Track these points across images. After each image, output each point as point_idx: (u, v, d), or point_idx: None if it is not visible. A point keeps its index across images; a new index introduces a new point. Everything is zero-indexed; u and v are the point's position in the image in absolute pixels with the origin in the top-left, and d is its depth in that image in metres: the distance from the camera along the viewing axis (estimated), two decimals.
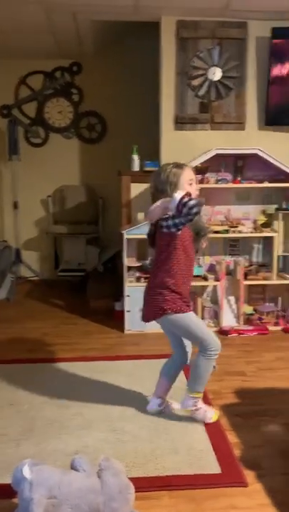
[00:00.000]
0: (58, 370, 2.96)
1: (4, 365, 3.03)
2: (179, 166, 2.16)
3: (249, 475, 1.91)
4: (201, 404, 2.30)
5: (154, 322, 3.42)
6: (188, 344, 2.38)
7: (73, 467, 1.69)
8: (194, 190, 2.16)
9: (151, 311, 2.22)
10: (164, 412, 2.39)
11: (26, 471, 1.57)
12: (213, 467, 1.95)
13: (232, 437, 2.19)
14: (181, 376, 2.52)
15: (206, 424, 2.28)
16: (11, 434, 2.22)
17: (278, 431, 2.26)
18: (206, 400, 2.45)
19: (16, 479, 1.61)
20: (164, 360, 3.06)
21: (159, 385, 2.42)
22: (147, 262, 3.88)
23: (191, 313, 2.23)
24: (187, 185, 2.13)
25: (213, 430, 2.24)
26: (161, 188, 2.13)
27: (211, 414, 2.31)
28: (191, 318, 2.22)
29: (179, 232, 2.08)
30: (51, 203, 5.21)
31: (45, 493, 1.53)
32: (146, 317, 2.27)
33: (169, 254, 2.14)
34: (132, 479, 1.70)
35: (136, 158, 3.87)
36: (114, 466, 1.67)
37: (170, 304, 2.16)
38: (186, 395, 2.29)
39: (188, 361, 2.40)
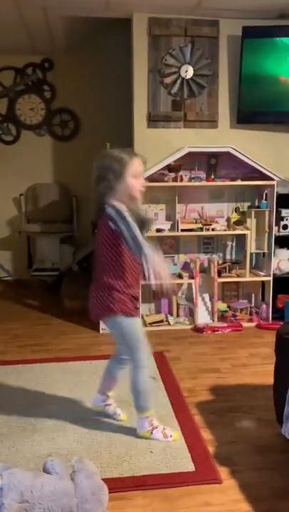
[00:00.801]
0: (31, 372, 2.91)
1: None
2: (128, 154, 1.95)
3: (223, 471, 1.92)
4: (156, 422, 2.15)
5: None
6: None
7: (46, 470, 1.67)
8: (140, 185, 1.98)
9: (99, 309, 2.06)
10: (108, 413, 2.33)
11: None
12: (188, 465, 1.95)
13: (206, 434, 2.20)
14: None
15: (181, 423, 2.28)
16: None
17: (251, 427, 2.28)
18: (180, 398, 2.45)
19: None
20: None
21: (104, 381, 2.34)
22: None
23: (139, 320, 2.13)
24: (132, 178, 1.93)
25: (188, 428, 2.24)
26: (103, 174, 1.92)
27: (172, 432, 2.15)
28: (136, 325, 2.08)
29: None
30: (24, 202, 5.13)
31: (16, 498, 1.50)
32: (93, 314, 2.12)
33: (114, 249, 1.96)
34: (106, 480, 1.69)
35: None
36: (87, 468, 1.65)
37: (119, 305, 2.02)
38: (138, 418, 2.15)
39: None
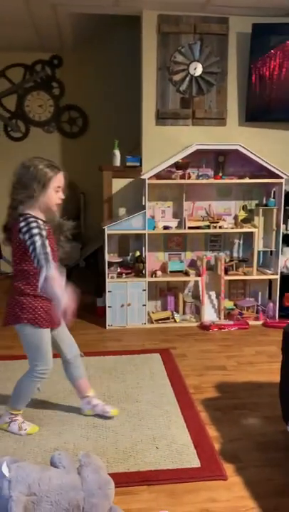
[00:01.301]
0: None
1: None
2: (53, 167, 1.98)
3: (228, 468, 1.93)
4: (19, 417, 2.21)
5: (136, 318, 3.42)
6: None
7: (53, 464, 1.69)
8: (59, 198, 2.02)
9: (8, 316, 2.08)
10: (98, 413, 2.32)
11: (5, 469, 1.55)
12: (193, 461, 1.97)
13: (212, 431, 2.21)
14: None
15: (187, 419, 2.30)
16: None
17: (257, 424, 2.29)
18: (186, 395, 2.47)
19: None
20: (146, 356, 3.09)
21: (75, 388, 2.34)
22: (128, 257, 3.88)
23: (46, 331, 2.09)
24: (54, 191, 1.98)
25: (193, 425, 2.25)
26: (26, 182, 1.93)
27: (28, 427, 2.20)
28: (40, 337, 2.08)
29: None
30: None
31: (24, 491, 1.52)
32: (4, 321, 2.11)
33: (26, 258, 1.95)
34: (113, 475, 1.71)
35: (117, 153, 3.85)
36: (94, 462, 1.67)
37: (21, 312, 2.03)
38: (6, 411, 2.22)
39: (79, 351, 2.32)
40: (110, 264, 3.72)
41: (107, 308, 3.68)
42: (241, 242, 3.98)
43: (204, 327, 3.67)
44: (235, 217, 3.88)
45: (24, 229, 1.90)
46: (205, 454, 2.01)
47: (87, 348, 3.25)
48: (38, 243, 1.87)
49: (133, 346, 3.30)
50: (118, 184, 3.89)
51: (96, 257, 4.94)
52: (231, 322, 3.72)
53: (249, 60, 3.67)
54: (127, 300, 3.67)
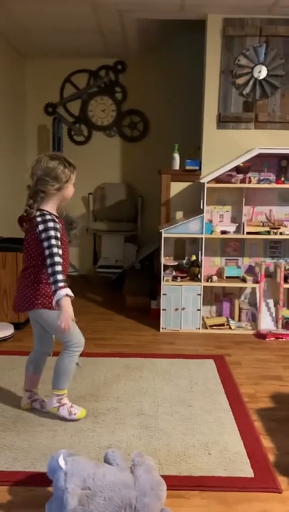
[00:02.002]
0: (94, 365, 3.00)
1: None
2: (70, 164, 2.10)
3: (283, 481, 1.87)
4: (66, 400, 2.29)
5: (190, 322, 3.42)
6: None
7: (107, 460, 1.72)
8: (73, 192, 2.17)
9: (23, 303, 2.17)
10: (36, 408, 2.38)
11: (62, 461, 1.60)
12: (246, 471, 1.93)
13: (267, 442, 2.15)
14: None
15: (240, 428, 2.25)
16: (47, 424, 2.28)
17: None
18: (240, 403, 2.41)
19: (51, 468, 1.65)
20: (200, 361, 3.07)
21: (27, 379, 2.41)
22: (184, 261, 3.87)
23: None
24: (72, 185, 2.13)
25: (247, 434, 2.21)
26: (56, 175, 2.04)
27: (77, 411, 2.29)
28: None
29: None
30: (92, 201, 5.29)
31: (79, 484, 1.56)
32: (17, 308, 2.21)
33: (43, 248, 2.03)
34: (164, 477, 1.71)
35: (177, 156, 3.86)
36: (147, 462, 1.68)
37: (42, 299, 2.14)
38: (52, 394, 2.29)
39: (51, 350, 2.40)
40: (166, 267, 3.73)
41: (161, 311, 3.69)
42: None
43: (260, 335, 3.58)
44: None
45: (41, 226, 2.01)
46: (259, 465, 1.96)
47: (141, 349, 3.29)
48: (55, 250, 1.97)
49: (187, 350, 3.29)
50: (176, 188, 3.90)
51: (152, 259, 4.97)
52: None
53: None
54: (181, 304, 3.66)
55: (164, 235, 3.65)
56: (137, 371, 2.91)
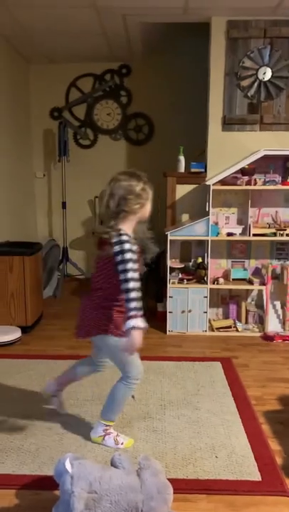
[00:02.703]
0: None
1: (48, 361, 3.11)
2: (146, 182, 2.00)
3: None
4: (112, 430, 2.17)
5: (196, 325, 3.38)
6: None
7: (113, 464, 1.72)
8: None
9: (91, 328, 2.06)
10: (52, 404, 2.41)
11: (68, 465, 1.61)
12: (254, 474, 1.92)
13: (274, 445, 2.14)
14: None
15: (248, 431, 2.24)
16: (54, 428, 2.29)
17: None
18: (247, 406, 2.41)
19: (58, 472, 1.66)
20: (207, 363, 3.06)
21: (64, 376, 2.38)
22: (190, 263, 3.87)
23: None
24: (149, 203, 2.02)
25: (254, 437, 2.20)
26: (140, 193, 1.95)
27: (124, 440, 2.17)
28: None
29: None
30: (98, 204, 5.30)
31: (85, 487, 1.56)
32: (83, 333, 2.10)
33: (117, 274, 1.90)
34: (171, 480, 1.71)
35: (182, 159, 3.86)
36: (153, 466, 1.68)
37: (113, 326, 2.01)
38: (98, 422, 2.18)
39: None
40: (172, 269, 3.73)
41: (167, 313, 3.69)
42: None
43: (268, 338, 3.57)
44: None
45: (117, 248, 1.88)
46: (266, 468, 1.95)
47: (148, 352, 3.28)
48: (130, 275, 1.84)
49: (193, 353, 3.28)
50: (182, 190, 3.90)
51: (158, 262, 4.97)
52: None
53: None
54: (187, 306, 3.66)
55: (169, 238, 3.65)
56: (143, 374, 2.90)
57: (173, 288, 3.65)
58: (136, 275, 1.86)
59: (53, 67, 5.14)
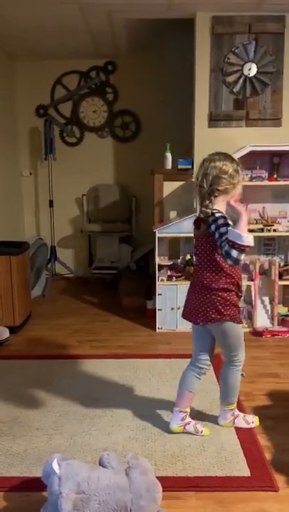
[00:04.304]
0: (89, 367, 2.99)
1: (37, 361, 3.09)
2: (238, 163, 2.03)
3: (280, 479, 1.87)
4: (237, 411, 2.28)
5: (186, 322, 3.39)
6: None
7: (102, 463, 1.71)
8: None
9: (208, 313, 2.04)
10: (189, 431, 2.20)
11: (55, 466, 1.59)
12: (243, 470, 1.92)
13: (263, 440, 2.15)
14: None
15: (237, 427, 2.25)
16: (43, 428, 2.27)
17: None
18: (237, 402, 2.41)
19: (46, 473, 1.64)
20: None
21: (179, 397, 2.24)
22: (179, 260, 3.86)
23: (240, 325, 2.14)
24: (241, 184, 2.05)
25: (243, 432, 2.20)
26: (232, 173, 1.98)
27: (252, 418, 2.28)
28: (240, 330, 2.14)
29: None
30: (85, 202, 5.27)
31: (73, 488, 1.55)
32: (199, 319, 2.08)
33: (216, 250, 1.99)
34: (160, 478, 1.70)
35: (169, 156, 3.85)
36: (142, 464, 1.67)
37: (230, 310, 2.04)
38: (222, 410, 2.26)
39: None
40: (160, 267, 3.72)
41: (157, 311, 3.68)
42: None
43: (256, 333, 3.58)
44: None
45: (213, 226, 1.94)
46: (255, 463, 1.96)
47: (137, 350, 3.28)
48: (224, 229, 1.89)
49: (183, 350, 3.26)
50: (169, 187, 3.89)
51: (147, 259, 4.96)
52: (285, 329, 3.60)
53: None
54: (176, 303, 3.65)
55: (157, 235, 3.64)
56: (133, 372, 2.90)
57: (162, 285, 3.65)
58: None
59: (38, 64, 5.08)
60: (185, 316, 2.19)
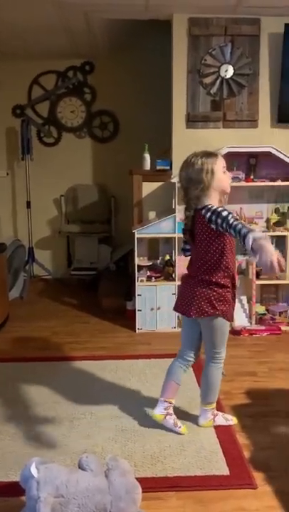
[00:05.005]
0: (68, 369, 2.97)
1: (15, 364, 3.05)
2: (211, 153, 2.03)
3: (258, 477, 1.89)
4: (216, 411, 2.30)
5: (165, 322, 3.40)
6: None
7: (80, 466, 1.69)
8: (228, 177, 2.08)
9: (201, 307, 2.06)
10: (167, 424, 2.25)
11: (34, 470, 1.57)
12: (222, 468, 1.94)
13: (242, 438, 2.17)
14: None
15: (216, 426, 2.26)
16: (21, 432, 2.24)
17: None
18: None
19: (24, 477, 1.62)
20: None
21: (165, 387, 2.29)
22: (158, 261, 3.87)
23: (228, 323, 2.16)
24: (222, 172, 2.02)
25: (222, 431, 2.22)
26: (196, 178, 1.98)
27: (230, 416, 2.32)
28: (228, 328, 2.17)
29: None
30: (64, 203, 5.24)
31: (52, 492, 1.53)
32: (191, 311, 2.09)
33: (220, 251, 2.03)
34: (140, 479, 1.70)
35: (147, 156, 3.86)
36: (121, 466, 1.67)
37: (223, 306, 2.06)
38: (202, 409, 2.27)
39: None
40: (140, 267, 3.72)
41: (136, 311, 3.68)
42: (274, 245, 3.88)
43: (235, 332, 3.61)
44: (267, 221, 3.81)
45: (208, 214, 1.95)
46: (234, 462, 1.98)
47: (117, 351, 3.27)
48: (226, 213, 1.89)
49: (162, 350, 3.28)
50: (148, 188, 3.89)
51: (126, 260, 4.96)
52: (263, 327, 3.65)
53: (282, 60, 3.60)
54: (156, 304, 3.66)
55: (137, 236, 3.64)
56: (113, 373, 2.89)
57: (141, 286, 3.65)
58: (232, 216, 1.88)
59: (14, 64, 5.02)
60: (178, 308, 2.22)
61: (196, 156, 2.01)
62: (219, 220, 1.90)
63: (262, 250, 1.71)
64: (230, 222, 1.85)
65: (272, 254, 1.70)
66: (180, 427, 2.22)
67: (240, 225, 1.82)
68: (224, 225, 1.89)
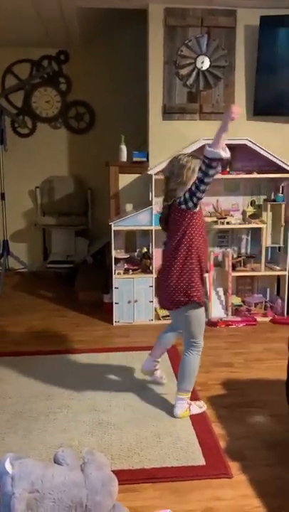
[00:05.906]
0: (45, 363, 2.94)
1: None
2: (197, 157, 2.23)
3: (234, 466, 1.92)
4: (189, 400, 2.34)
5: (143, 314, 3.45)
6: None
7: (56, 461, 1.68)
8: None
9: (178, 297, 2.18)
10: (155, 377, 2.61)
11: (8, 466, 1.55)
12: (198, 459, 1.95)
13: (217, 429, 2.20)
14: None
15: (192, 416, 2.28)
16: None
17: (264, 422, 2.27)
18: (192, 392, 2.45)
19: None
20: None
21: (155, 348, 2.56)
22: (135, 253, 3.86)
23: (203, 310, 2.27)
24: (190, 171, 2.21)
25: (198, 422, 2.24)
26: (178, 172, 2.19)
27: (202, 403, 2.39)
28: (203, 316, 2.29)
29: (197, 209, 2.16)
30: (39, 194, 5.16)
31: (27, 487, 1.51)
32: (170, 303, 2.24)
33: (189, 233, 2.16)
34: (117, 472, 1.70)
35: (124, 148, 3.82)
36: (97, 460, 1.66)
37: (196, 292, 2.16)
38: (178, 398, 2.30)
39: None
40: (117, 260, 3.70)
41: (114, 304, 3.67)
42: (249, 237, 3.93)
43: (211, 323, 3.64)
44: (243, 213, 3.84)
45: (181, 200, 2.16)
46: (210, 452, 2.00)
47: (95, 344, 3.26)
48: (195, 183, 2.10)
49: (140, 343, 3.28)
50: (125, 180, 3.87)
51: (103, 253, 4.93)
52: (239, 318, 3.69)
53: (257, 53, 3.61)
54: (133, 296, 3.65)
55: (113, 228, 3.61)
56: (90, 367, 2.88)
57: (118, 279, 3.63)
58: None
59: None
60: (160, 304, 2.36)
61: (185, 155, 2.26)
62: (193, 188, 2.10)
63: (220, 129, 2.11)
64: (198, 177, 2.08)
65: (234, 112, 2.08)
66: (163, 378, 2.58)
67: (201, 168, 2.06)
68: (197, 183, 2.08)
